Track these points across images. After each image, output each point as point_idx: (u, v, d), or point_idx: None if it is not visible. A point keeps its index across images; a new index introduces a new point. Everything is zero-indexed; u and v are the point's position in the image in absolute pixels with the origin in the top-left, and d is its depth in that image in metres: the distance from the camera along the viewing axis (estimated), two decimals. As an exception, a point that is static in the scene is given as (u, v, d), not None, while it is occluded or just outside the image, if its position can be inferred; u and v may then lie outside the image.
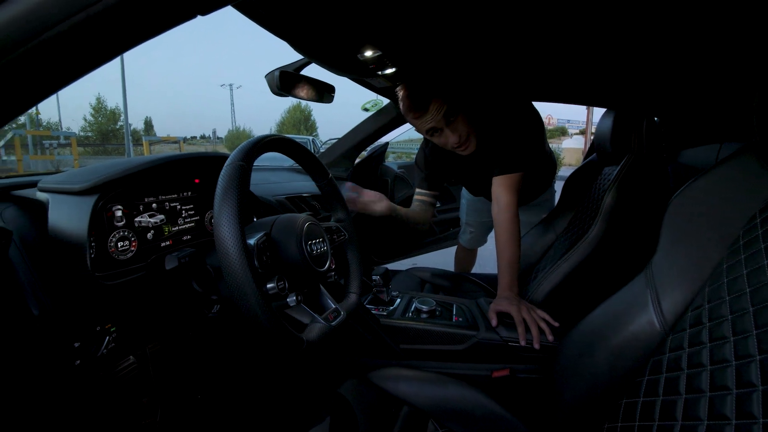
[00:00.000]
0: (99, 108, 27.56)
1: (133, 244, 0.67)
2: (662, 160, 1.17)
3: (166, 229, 0.73)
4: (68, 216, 0.58)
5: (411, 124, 1.13)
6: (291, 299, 0.58)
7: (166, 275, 0.62)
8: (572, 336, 0.81)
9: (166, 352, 0.86)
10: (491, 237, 1.95)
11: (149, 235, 0.70)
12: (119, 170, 0.62)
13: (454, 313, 1.03)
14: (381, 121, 1.59)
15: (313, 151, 1.71)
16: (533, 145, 1.18)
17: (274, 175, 1.41)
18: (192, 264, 0.62)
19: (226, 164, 0.53)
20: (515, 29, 0.68)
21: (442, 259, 2.31)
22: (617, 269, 1.02)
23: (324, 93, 1.10)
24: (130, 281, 0.62)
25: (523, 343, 0.89)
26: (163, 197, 0.73)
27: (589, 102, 1.25)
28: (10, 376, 0.48)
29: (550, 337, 0.89)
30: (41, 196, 0.62)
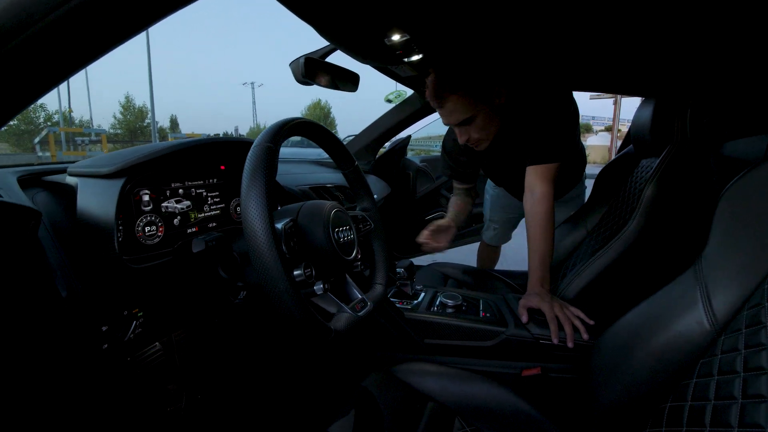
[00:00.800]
0: (128, 106, 28.56)
1: (160, 229, 0.66)
2: (706, 150, 1.09)
3: (193, 216, 0.73)
4: (96, 199, 0.57)
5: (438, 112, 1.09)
6: (318, 287, 0.56)
7: (193, 261, 0.62)
8: (609, 335, 0.76)
9: (191, 339, 0.86)
10: (515, 234, 1.91)
11: (176, 221, 0.70)
12: (145, 153, 0.61)
13: (481, 308, 0.99)
14: (404, 113, 1.56)
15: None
16: (571, 135, 1.12)
17: (297, 167, 1.40)
18: (218, 249, 0.61)
19: (253, 146, 0.51)
20: (551, 10, 0.64)
21: (464, 255, 2.27)
22: (658, 266, 0.97)
23: (348, 81, 1.08)
24: (156, 266, 0.62)
25: (555, 341, 0.85)
26: (190, 183, 0.73)
27: (628, 90, 1.18)
28: (38, 355, 0.48)
29: (585, 336, 0.85)
30: (70, 180, 0.63)
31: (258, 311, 0.79)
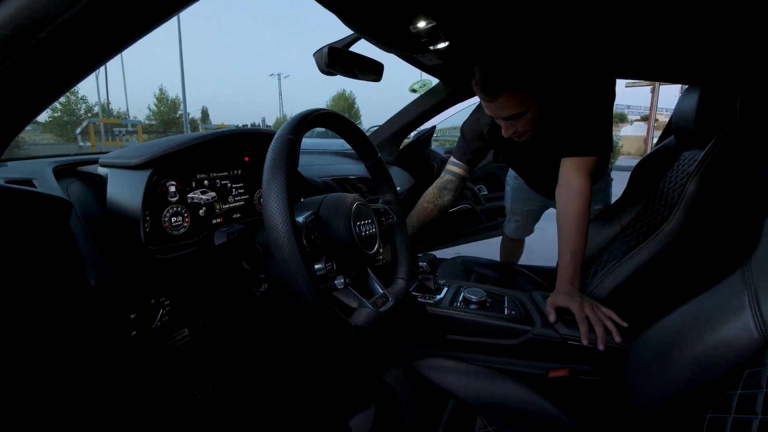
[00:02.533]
0: (162, 98, 29.56)
1: (186, 219, 0.67)
2: (757, 142, 1.00)
3: (218, 207, 0.74)
4: (124, 190, 0.59)
5: (483, 105, 1.01)
6: (339, 281, 0.56)
7: (217, 251, 0.62)
8: (645, 339, 0.72)
9: (218, 326, 0.88)
10: (538, 227, 1.84)
11: (201, 212, 0.71)
12: (172, 145, 0.62)
13: (506, 305, 0.96)
14: (429, 103, 1.52)
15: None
16: (610, 127, 1.06)
17: (321, 158, 1.40)
18: (240, 241, 0.61)
19: (275, 138, 0.51)
20: None
21: (487, 249, 2.22)
22: (699, 267, 0.91)
23: (372, 70, 1.05)
24: (182, 256, 0.63)
25: (585, 342, 0.81)
26: (215, 174, 0.74)
27: (672, 77, 1.10)
28: (68, 341, 0.50)
29: (618, 338, 0.80)
30: (101, 170, 0.64)
31: (279, 304, 0.80)
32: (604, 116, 1.01)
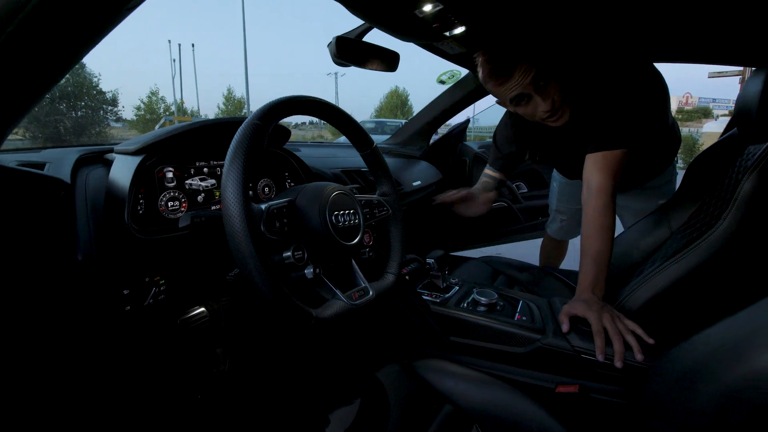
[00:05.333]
0: (229, 97, 31.74)
1: (183, 204, 0.70)
2: None
3: (217, 194, 0.76)
4: (119, 174, 0.62)
5: (492, 93, 0.97)
6: (308, 271, 0.54)
7: (205, 235, 0.63)
8: (670, 358, 0.63)
9: (236, 306, 0.92)
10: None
11: (199, 198, 0.73)
12: (166, 132, 0.64)
13: (518, 310, 0.89)
14: (458, 95, 1.46)
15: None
16: (645, 116, 0.94)
17: (343, 150, 1.40)
18: (211, 226, 0.60)
19: (243, 123, 0.50)
20: None
21: (526, 251, 2.09)
22: (747, 279, 0.77)
23: (385, 60, 1.02)
24: (173, 238, 0.65)
25: (600, 357, 0.72)
26: (215, 162, 0.76)
27: (730, 58, 0.94)
28: (53, 307, 0.54)
29: (639, 356, 0.71)
30: (111, 156, 0.69)
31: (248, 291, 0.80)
32: (631, 103, 0.90)
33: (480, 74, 0.93)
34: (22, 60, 0.39)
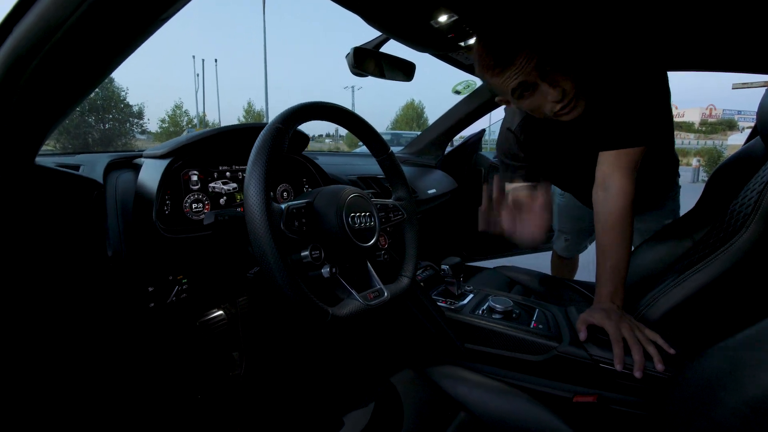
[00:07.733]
0: (249, 110, 32.64)
1: (206, 206, 0.73)
2: None
3: (239, 197, 0.79)
4: (148, 175, 0.66)
5: (492, 86, 0.84)
6: (325, 270, 0.56)
7: (226, 235, 0.65)
8: (692, 368, 0.61)
9: (253, 310, 0.94)
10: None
11: (222, 201, 0.76)
12: (192, 137, 0.68)
13: (535, 318, 0.88)
14: (474, 105, 1.47)
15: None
16: (663, 113, 0.89)
17: (361, 159, 1.42)
18: (235, 225, 0.62)
19: (265, 126, 0.53)
20: None
21: (542, 262, 2.06)
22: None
23: (402, 70, 1.05)
24: (196, 238, 0.68)
25: (618, 367, 0.71)
26: (237, 167, 0.79)
27: (746, 64, 0.93)
28: (82, 299, 0.57)
29: (659, 366, 0.69)
30: (140, 161, 0.73)
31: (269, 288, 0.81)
32: (652, 102, 0.84)
33: (476, 66, 0.82)
34: (65, 65, 0.42)
